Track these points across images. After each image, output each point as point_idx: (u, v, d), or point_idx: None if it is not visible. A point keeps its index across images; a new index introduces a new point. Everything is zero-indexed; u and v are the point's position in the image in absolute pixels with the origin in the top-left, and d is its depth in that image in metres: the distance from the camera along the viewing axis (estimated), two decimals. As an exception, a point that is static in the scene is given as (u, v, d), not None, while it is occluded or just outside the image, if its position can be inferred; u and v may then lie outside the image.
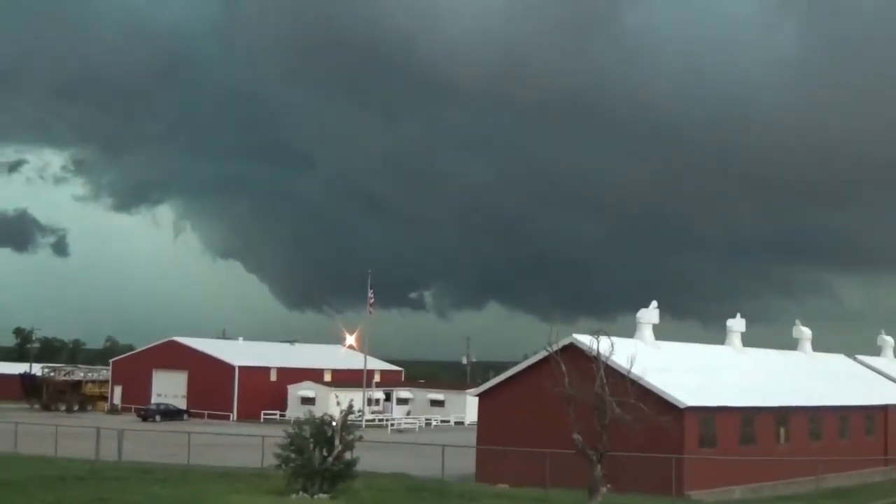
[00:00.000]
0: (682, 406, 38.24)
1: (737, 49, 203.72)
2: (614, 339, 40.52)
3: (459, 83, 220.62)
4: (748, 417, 42.66)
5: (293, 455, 34.70)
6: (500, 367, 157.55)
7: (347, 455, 34.91)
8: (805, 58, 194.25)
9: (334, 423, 35.22)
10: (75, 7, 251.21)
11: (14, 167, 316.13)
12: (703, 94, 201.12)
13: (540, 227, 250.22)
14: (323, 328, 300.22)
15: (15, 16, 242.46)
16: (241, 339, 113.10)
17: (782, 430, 44.54)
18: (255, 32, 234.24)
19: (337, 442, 34.91)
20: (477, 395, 46.37)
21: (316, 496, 33.28)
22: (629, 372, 27.00)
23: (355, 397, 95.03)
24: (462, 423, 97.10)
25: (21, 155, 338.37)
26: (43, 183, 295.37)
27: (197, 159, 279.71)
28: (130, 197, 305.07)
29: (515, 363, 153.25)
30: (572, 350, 42.09)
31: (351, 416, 36.26)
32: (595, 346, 25.75)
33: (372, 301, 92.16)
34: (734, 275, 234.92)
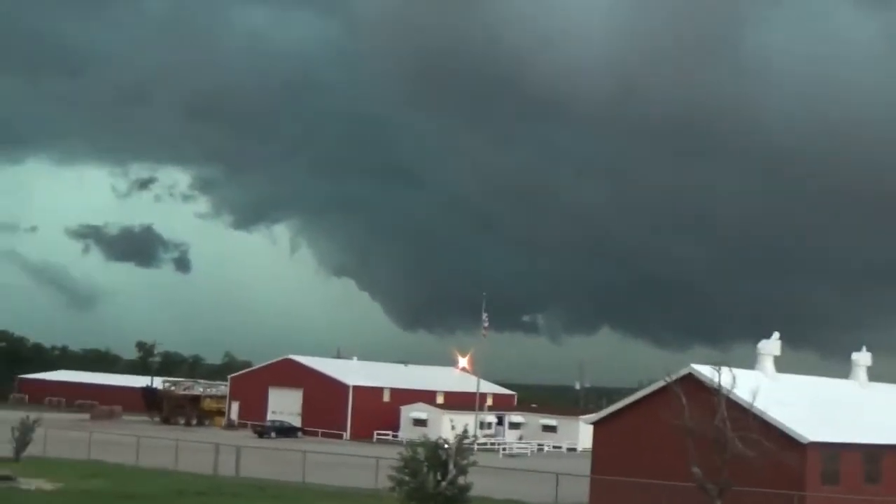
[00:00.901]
0: (804, 441, 37.21)
1: (857, 70, 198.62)
2: (734, 370, 39.84)
3: (573, 104, 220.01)
4: (873, 455, 41.27)
5: (407, 478, 34.89)
6: (612, 394, 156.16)
7: (461, 480, 34.93)
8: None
9: (448, 447, 35.36)
10: (202, 26, 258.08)
11: (144, 184, 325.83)
12: (823, 114, 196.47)
13: (653, 250, 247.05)
14: (435, 349, 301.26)
15: (145, 35, 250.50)
16: (355, 358, 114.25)
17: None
18: (374, 56, 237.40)
19: (451, 466, 34.97)
20: (592, 423, 45.79)
21: (430, 519, 33.34)
22: (751, 406, 26.39)
23: (468, 420, 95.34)
24: (574, 449, 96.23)
25: (151, 172, 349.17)
26: (170, 200, 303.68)
27: (315, 179, 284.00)
28: (250, 215, 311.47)
29: (628, 389, 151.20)
30: (690, 380, 41.43)
31: (466, 441, 36.30)
32: (716, 379, 25.20)
33: (486, 324, 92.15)
34: (855, 303, 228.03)
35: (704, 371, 40.54)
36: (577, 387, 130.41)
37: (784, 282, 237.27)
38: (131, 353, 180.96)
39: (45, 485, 36.96)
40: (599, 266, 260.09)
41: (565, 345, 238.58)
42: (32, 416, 50.61)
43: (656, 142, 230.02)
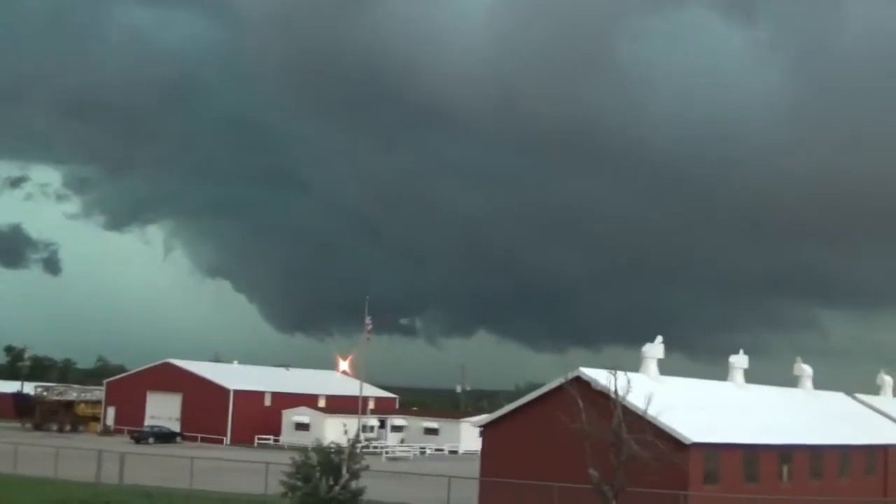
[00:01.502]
0: (687, 442, 38.29)
1: (727, 87, 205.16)
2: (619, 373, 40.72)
3: (456, 113, 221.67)
4: (752, 455, 42.69)
5: (300, 483, 34.75)
6: (491, 396, 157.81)
7: (354, 484, 34.95)
8: (794, 98, 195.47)
9: (341, 452, 35.33)
10: (81, 26, 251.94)
11: (16, 183, 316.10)
12: (694, 129, 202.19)
13: (531, 257, 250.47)
14: (313, 353, 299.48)
15: (22, 34, 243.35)
16: (235, 362, 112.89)
17: (785, 468, 44.56)
18: (256, 60, 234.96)
19: (344, 471, 34.98)
20: (481, 427, 46.24)
21: (323, 525, 33.25)
22: (645, 410, 27.06)
23: (350, 423, 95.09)
24: (456, 451, 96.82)
25: (23, 171, 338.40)
26: (41, 199, 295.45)
27: (193, 182, 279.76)
28: (122, 216, 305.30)
29: (506, 392, 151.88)
30: (579, 383, 42.23)
31: (358, 445, 36.37)
32: (611, 382, 25.77)
33: (370, 328, 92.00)
34: (721, 309, 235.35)
35: (592, 374, 41.48)
36: (458, 390, 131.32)
37: (656, 288, 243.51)
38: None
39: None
40: (478, 272, 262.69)
41: (443, 348, 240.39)
42: None
43: (537, 151, 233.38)
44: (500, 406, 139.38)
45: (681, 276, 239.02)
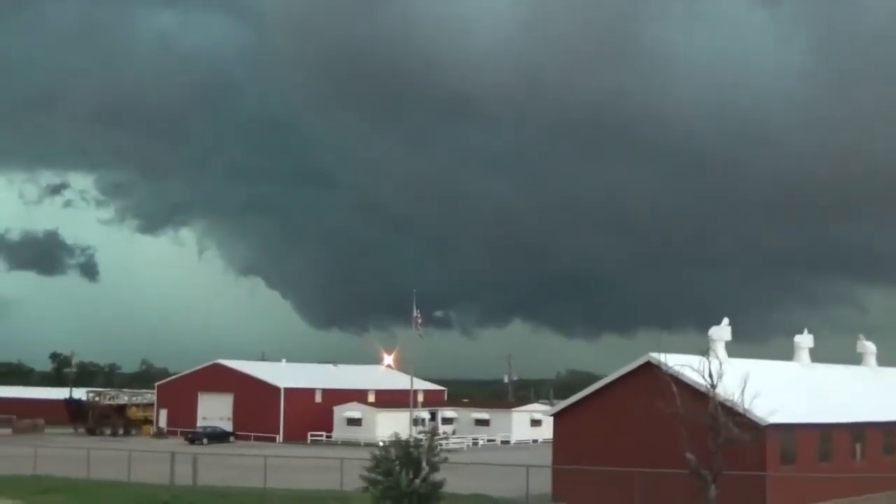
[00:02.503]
0: (764, 424, 38.07)
1: (751, 65, 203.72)
2: (687, 356, 40.55)
3: (481, 102, 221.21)
4: (826, 434, 42.50)
5: (381, 477, 34.84)
6: (536, 385, 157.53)
7: (434, 477, 35.03)
8: (817, 72, 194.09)
9: (420, 445, 35.40)
10: (108, 31, 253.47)
11: (57, 190, 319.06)
12: (720, 110, 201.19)
13: (562, 244, 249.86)
14: (352, 348, 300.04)
15: (51, 42, 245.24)
16: (283, 360, 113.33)
17: (858, 446, 44.34)
18: (282, 60, 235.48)
19: (424, 464, 35.06)
20: (552, 415, 46.22)
21: (404, 518, 33.30)
22: (742, 391, 26.95)
23: (402, 417, 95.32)
24: (508, 441, 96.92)
25: (62, 178, 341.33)
26: (79, 206, 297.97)
27: (224, 182, 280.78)
28: (156, 219, 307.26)
29: (548, 381, 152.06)
30: (649, 368, 42.16)
31: (436, 438, 36.39)
32: (706, 367, 25.68)
33: (420, 321, 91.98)
34: (756, 289, 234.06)
35: (661, 359, 41.36)
36: (506, 380, 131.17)
37: (688, 271, 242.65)
38: (44, 365, 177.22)
39: (7, 502, 36.02)
40: (510, 261, 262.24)
41: (478, 338, 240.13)
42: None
43: (564, 137, 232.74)
44: (547, 395, 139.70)
45: (713, 258, 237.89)
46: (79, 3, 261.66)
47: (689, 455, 24.81)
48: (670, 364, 41.44)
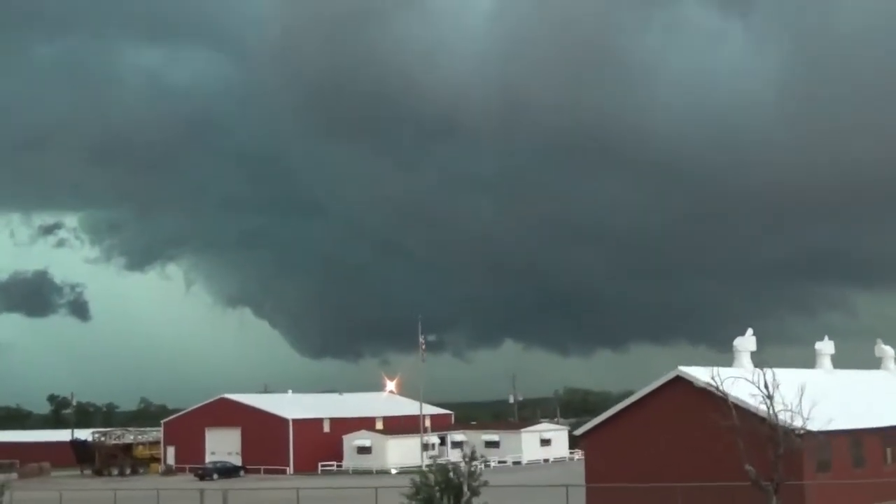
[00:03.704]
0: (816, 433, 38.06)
1: (730, 76, 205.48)
2: (706, 368, 40.56)
3: (464, 123, 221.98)
4: (857, 440, 42.59)
5: (422, 504, 34.75)
6: (539, 404, 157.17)
7: (475, 501, 34.94)
8: (796, 81, 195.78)
9: (460, 470, 35.31)
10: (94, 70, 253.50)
11: (49, 230, 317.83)
12: (700, 123, 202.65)
13: (550, 262, 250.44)
14: (347, 376, 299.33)
15: (39, 83, 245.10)
16: (289, 391, 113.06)
17: (889, 451, 44.43)
18: (267, 89, 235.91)
19: (465, 489, 34.98)
20: (580, 435, 46.21)
21: (449, 544, 33.18)
22: (799, 402, 27.02)
23: (412, 443, 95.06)
24: (519, 462, 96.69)
25: (56, 218, 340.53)
26: (66, 245, 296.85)
27: (212, 216, 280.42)
28: (142, 256, 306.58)
29: (547, 399, 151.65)
30: (679, 383, 42.25)
31: (475, 462, 36.32)
32: (762, 379, 25.75)
33: (424, 346, 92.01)
34: (744, 298, 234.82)
35: (692, 372, 41.51)
36: (511, 400, 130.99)
37: (677, 284, 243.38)
38: (42, 407, 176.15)
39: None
40: (499, 281, 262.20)
41: (471, 361, 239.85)
42: (1, 478, 48.82)
43: (549, 157, 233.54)
44: (553, 413, 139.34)
45: (700, 269, 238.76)
46: (66, 42, 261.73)
47: (748, 467, 24.80)
48: (698, 376, 41.67)
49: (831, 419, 36.73)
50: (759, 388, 25.79)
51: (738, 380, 27.03)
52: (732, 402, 26.65)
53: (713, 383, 26.95)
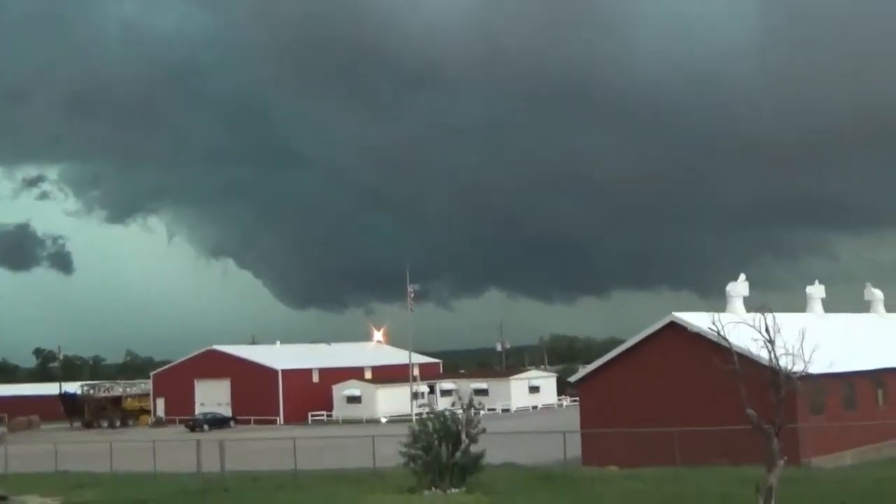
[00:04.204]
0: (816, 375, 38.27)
1: (712, 23, 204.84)
2: (707, 314, 40.66)
3: (443, 68, 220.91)
4: (850, 383, 42.93)
5: (421, 452, 34.84)
6: (526, 351, 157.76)
7: (474, 449, 35.07)
8: (778, 28, 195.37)
9: (459, 418, 35.42)
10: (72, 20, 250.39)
11: (33, 183, 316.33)
12: (682, 69, 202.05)
13: (533, 213, 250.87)
14: (332, 325, 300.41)
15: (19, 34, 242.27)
16: (278, 342, 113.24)
17: (880, 393, 44.82)
18: (244, 38, 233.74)
19: (463, 436, 35.08)
20: (576, 382, 46.43)
21: (449, 491, 33.30)
22: (801, 344, 27.04)
23: (401, 392, 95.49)
24: (508, 410, 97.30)
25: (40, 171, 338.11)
26: (48, 198, 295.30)
27: (193, 167, 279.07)
28: (123, 208, 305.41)
29: (532, 347, 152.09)
30: (673, 328, 42.41)
31: (473, 410, 36.43)
32: (763, 323, 25.73)
33: (413, 295, 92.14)
34: (726, 244, 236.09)
35: (686, 318, 41.67)
36: (499, 348, 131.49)
37: (659, 231, 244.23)
38: (28, 361, 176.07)
39: (47, 500, 35.74)
40: (481, 230, 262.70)
41: (455, 309, 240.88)
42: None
43: (530, 104, 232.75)
44: (540, 361, 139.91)
45: (682, 216, 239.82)
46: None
47: (750, 411, 24.79)
48: (692, 322, 41.85)
49: (832, 362, 36.95)
50: (760, 332, 25.69)
51: (739, 324, 27.06)
52: (734, 348, 26.59)
53: (714, 328, 26.86)
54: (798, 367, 26.09)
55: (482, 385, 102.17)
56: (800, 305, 55.05)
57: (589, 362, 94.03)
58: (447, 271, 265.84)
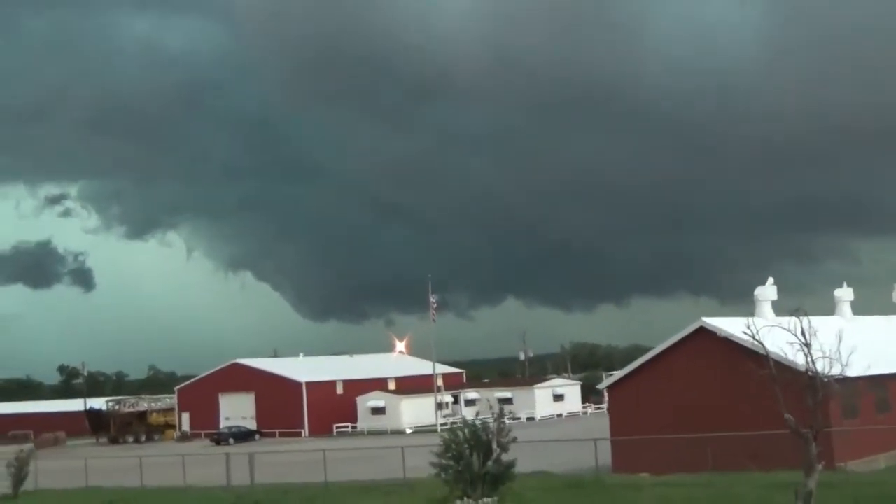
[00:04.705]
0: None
1: (722, 26, 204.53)
2: (735, 319, 40.60)
3: (454, 80, 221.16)
4: (882, 385, 42.60)
5: (452, 462, 34.75)
6: (549, 360, 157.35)
7: (505, 458, 34.96)
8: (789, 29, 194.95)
9: (489, 427, 35.33)
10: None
11: (57, 200, 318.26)
12: (692, 77, 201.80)
13: (549, 218, 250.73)
14: (353, 337, 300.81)
15: (39, 55, 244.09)
16: (301, 355, 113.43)
17: (913, 396, 44.50)
18: (258, 55, 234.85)
19: (494, 445, 34.98)
20: (606, 388, 46.29)
21: (481, 501, 33.15)
22: (837, 349, 26.89)
23: (426, 403, 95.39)
24: (533, 418, 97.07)
25: (62, 189, 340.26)
26: (68, 216, 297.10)
27: (210, 183, 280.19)
28: (142, 224, 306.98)
29: (555, 355, 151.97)
30: (702, 333, 42.23)
31: (503, 419, 36.31)
32: (798, 327, 25.57)
33: (435, 306, 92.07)
34: (744, 249, 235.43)
35: (714, 323, 41.50)
36: (522, 357, 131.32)
37: (677, 237, 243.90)
38: (52, 378, 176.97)
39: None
40: (498, 239, 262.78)
41: (474, 319, 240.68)
42: (26, 448, 48.96)
43: (542, 113, 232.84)
44: (563, 369, 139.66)
45: (697, 221, 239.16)
46: (54, 13, 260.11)
47: (787, 416, 24.65)
48: (721, 327, 41.67)
49: (869, 365, 36.70)
50: (796, 335, 25.54)
51: (774, 328, 26.93)
52: (769, 352, 26.43)
53: (748, 333, 26.70)
54: (835, 371, 25.94)
55: (506, 394, 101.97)
56: (825, 309, 54.74)
57: (611, 370, 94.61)
58: (465, 281, 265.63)
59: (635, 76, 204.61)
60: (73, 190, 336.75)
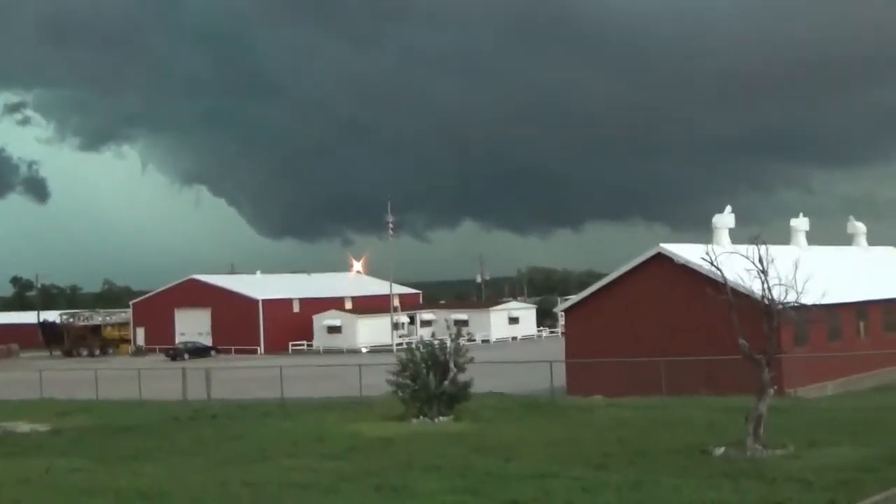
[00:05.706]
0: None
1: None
2: (693, 245, 40.93)
3: (421, 3, 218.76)
4: (833, 314, 43.29)
5: (409, 381, 35.01)
6: (504, 283, 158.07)
7: (461, 377, 35.26)
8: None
9: (446, 347, 35.56)
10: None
11: (16, 108, 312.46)
12: (657, 5, 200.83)
13: (509, 145, 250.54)
14: (308, 255, 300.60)
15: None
16: (258, 272, 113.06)
17: (862, 325, 45.24)
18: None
19: (451, 365, 35.25)
20: (563, 311, 46.64)
21: (437, 419, 33.49)
22: (793, 276, 27.18)
23: (381, 323, 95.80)
24: (488, 340, 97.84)
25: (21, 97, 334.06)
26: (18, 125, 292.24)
27: (169, 96, 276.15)
28: (97, 136, 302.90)
29: (508, 278, 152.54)
30: (660, 259, 42.56)
31: (461, 339, 36.61)
32: (756, 254, 25.82)
33: (393, 226, 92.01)
34: (700, 176, 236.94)
35: (673, 250, 41.82)
36: (479, 279, 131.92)
37: (634, 163, 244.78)
38: (4, 290, 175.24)
39: (36, 426, 35.69)
40: (456, 161, 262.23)
41: (430, 241, 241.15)
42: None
43: (507, 36, 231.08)
44: (519, 293, 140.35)
45: (656, 149, 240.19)
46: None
47: (742, 341, 25.02)
48: (679, 253, 42.02)
49: (824, 293, 37.23)
50: (753, 263, 25.80)
51: (733, 255, 27.17)
52: (726, 279, 26.68)
53: (707, 259, 26.92)
54: (790, 298, 26.27)
55: (462, 316, 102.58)
56: (780, 239, 55.26)
57: (567, 294, 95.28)
58: (422, 203, 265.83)
59: (604, 2, 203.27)
60: (29, 98, 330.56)
